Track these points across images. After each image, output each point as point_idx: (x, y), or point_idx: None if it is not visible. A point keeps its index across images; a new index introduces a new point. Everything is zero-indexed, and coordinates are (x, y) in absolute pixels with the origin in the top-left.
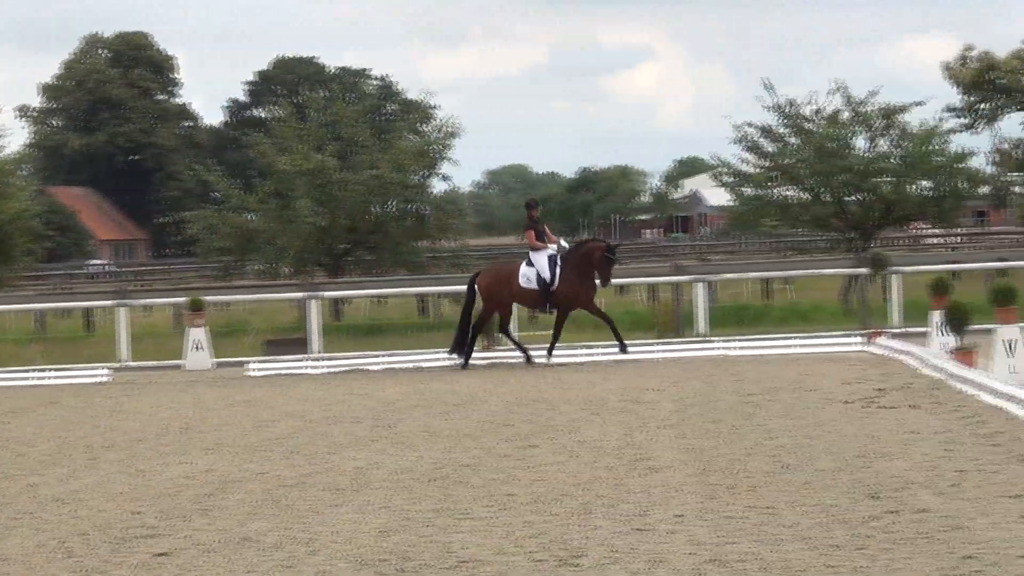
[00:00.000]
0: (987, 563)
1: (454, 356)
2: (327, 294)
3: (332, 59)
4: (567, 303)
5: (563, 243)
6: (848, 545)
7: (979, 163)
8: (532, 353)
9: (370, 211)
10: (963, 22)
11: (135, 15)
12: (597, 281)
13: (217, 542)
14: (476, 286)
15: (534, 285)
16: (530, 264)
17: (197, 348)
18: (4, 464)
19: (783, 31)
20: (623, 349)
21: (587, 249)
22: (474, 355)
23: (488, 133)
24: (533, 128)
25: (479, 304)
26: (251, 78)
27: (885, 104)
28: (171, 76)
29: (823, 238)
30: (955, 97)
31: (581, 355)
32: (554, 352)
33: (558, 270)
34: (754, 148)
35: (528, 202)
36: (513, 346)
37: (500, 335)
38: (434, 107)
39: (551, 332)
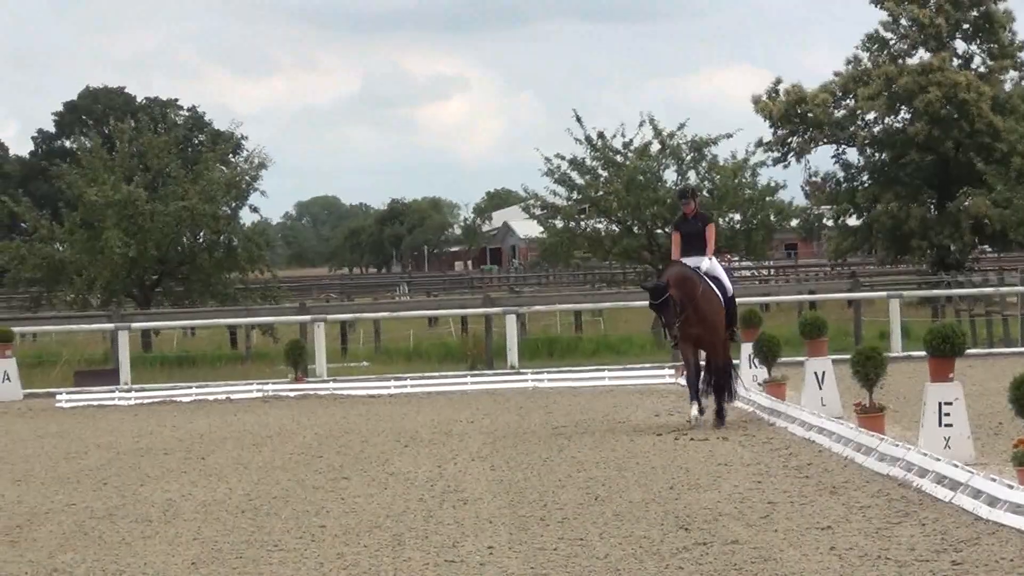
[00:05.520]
0: None
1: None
2: (137, 325)
3: (141, 90)
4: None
5: (707, 259)
6: None
7: (790, 196)
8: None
9: (180, 242)
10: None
11: None
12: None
13: (26, 574)
14: None
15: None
16: None
17: (6, 379)
18: None
19: (595, 63)
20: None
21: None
22: (285, 388)
23: (298, 164)
24: (344, 160)
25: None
26: (59, 108)
27: (695, 137)
28: None
29: (634, 270)
30: (766, 131)
31: (392, 387)
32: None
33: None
34: (564, 180)
35: (680, 190)
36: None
37: None
38: (243, 138)
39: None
